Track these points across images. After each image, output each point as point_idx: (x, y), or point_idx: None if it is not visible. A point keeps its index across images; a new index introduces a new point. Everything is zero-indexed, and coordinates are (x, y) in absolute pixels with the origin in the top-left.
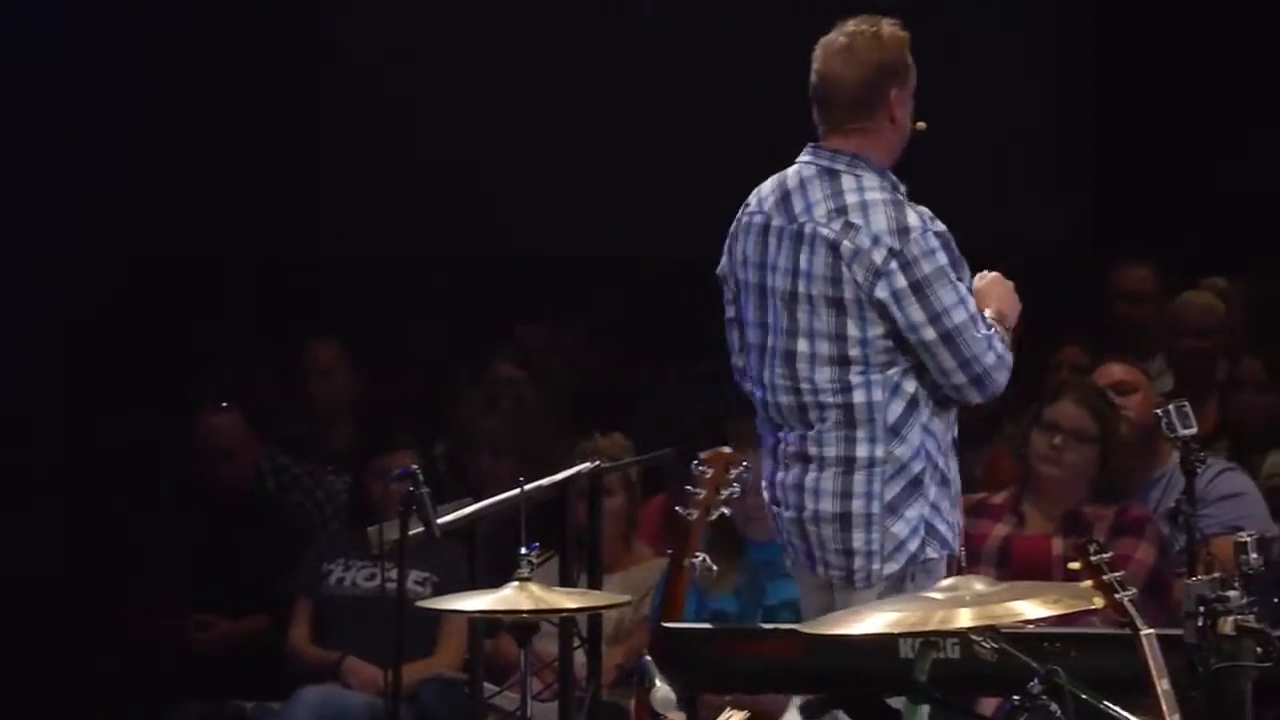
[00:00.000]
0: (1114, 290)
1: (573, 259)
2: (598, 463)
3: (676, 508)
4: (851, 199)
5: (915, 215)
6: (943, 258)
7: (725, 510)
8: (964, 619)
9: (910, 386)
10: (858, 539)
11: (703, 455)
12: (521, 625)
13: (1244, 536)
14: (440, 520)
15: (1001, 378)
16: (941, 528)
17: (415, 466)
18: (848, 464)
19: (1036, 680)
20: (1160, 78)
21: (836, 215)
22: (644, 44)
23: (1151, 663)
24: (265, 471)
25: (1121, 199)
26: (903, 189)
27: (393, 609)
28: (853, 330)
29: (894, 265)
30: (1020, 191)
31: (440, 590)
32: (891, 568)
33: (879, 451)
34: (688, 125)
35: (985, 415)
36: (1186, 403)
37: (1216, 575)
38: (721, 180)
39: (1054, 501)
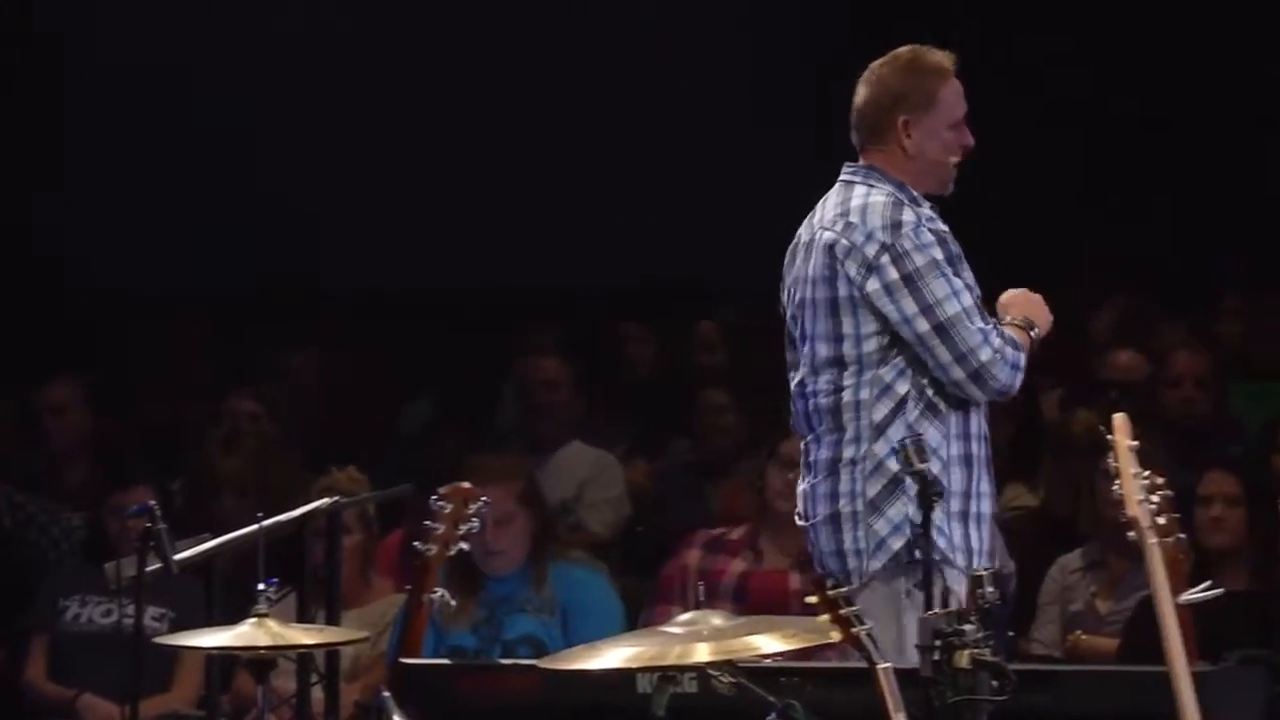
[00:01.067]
0: None
1: (313, 292)
2: (336, 498)
3: (415, 543)
4: (856, 202)
5: (911, 212)
6: (937, 252)
7: (464, 545)
8: (702, 653)
9: (902, 387)
10: (846, 538)
11: (441, 490)
12: (259, 661)
13: (980, 570)
14: (178, 556)
15: (1004, 374)
16: (934, 537)
17: (153, 502)
18: (834, 465)
19: (774, 714)
20: None
21: (840, 218)
22: (404, 82)
23: (888, 696)
24: (0, 510)
25: None
26: (925, 205)
27: (129, 645)
28: (847, 328)
29: (885, 259)
30: (752, 231)
31: (178, 626)
32: (874, 565)
33: (861, 450)
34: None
35: (722, 451)
36: (924, 436)
37: (953, 609)
38: (461, 213)
39: (791, 537)
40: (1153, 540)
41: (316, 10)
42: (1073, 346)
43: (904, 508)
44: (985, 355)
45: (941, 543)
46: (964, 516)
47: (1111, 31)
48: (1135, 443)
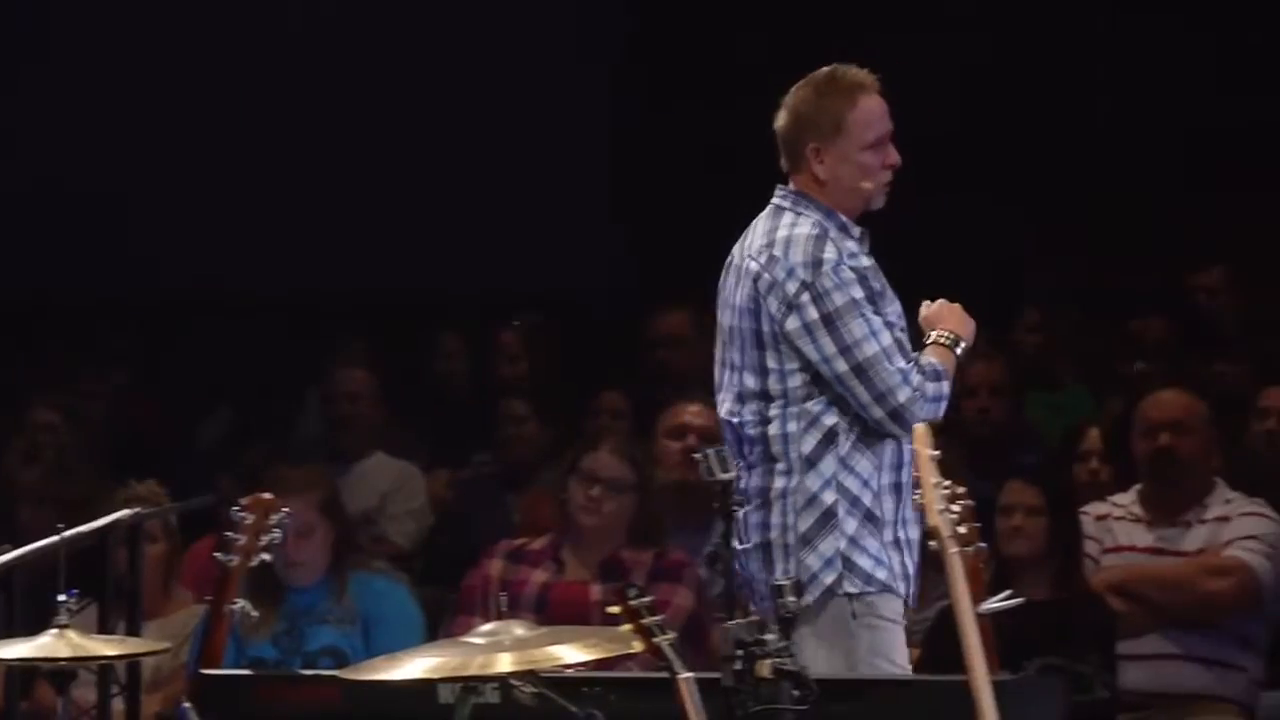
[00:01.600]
0: (652, 335)
1: (115, 300)
2: (137, 510)
3: (217, 554)
4: (781, 233)
5: (833, 249)
6: (856, 291)
7: (266, 556)
8: (504, 664)
9: (830, 420)
10: (777, 569)
11: (243, 501)
12: (59, 673)
13: (782, 580)
14: None
15: (923, 411)
16: (864, 563)
17: None
18: (765, 495)
19: None
20: (688, 119)
21: (765, 249)
22: (212, 81)
23: (690, 706)
24: None
25: (659, 242)
26: (854, 232)
27: None
28: (771, 363)
29: (805, 297)
30: (558, 237)
31: None
32: (807, 600)
33: (792, 482)
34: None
35: (523, 462)
36: (725, 447)
37: (755, 619)
38: (275, 219)
39: (592, 548)
40: (953, 550)
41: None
42: None
43: (836, 542)
44: (903, 396)
45: (882, 574)
46: (897, 544)
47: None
48: (936, 452)
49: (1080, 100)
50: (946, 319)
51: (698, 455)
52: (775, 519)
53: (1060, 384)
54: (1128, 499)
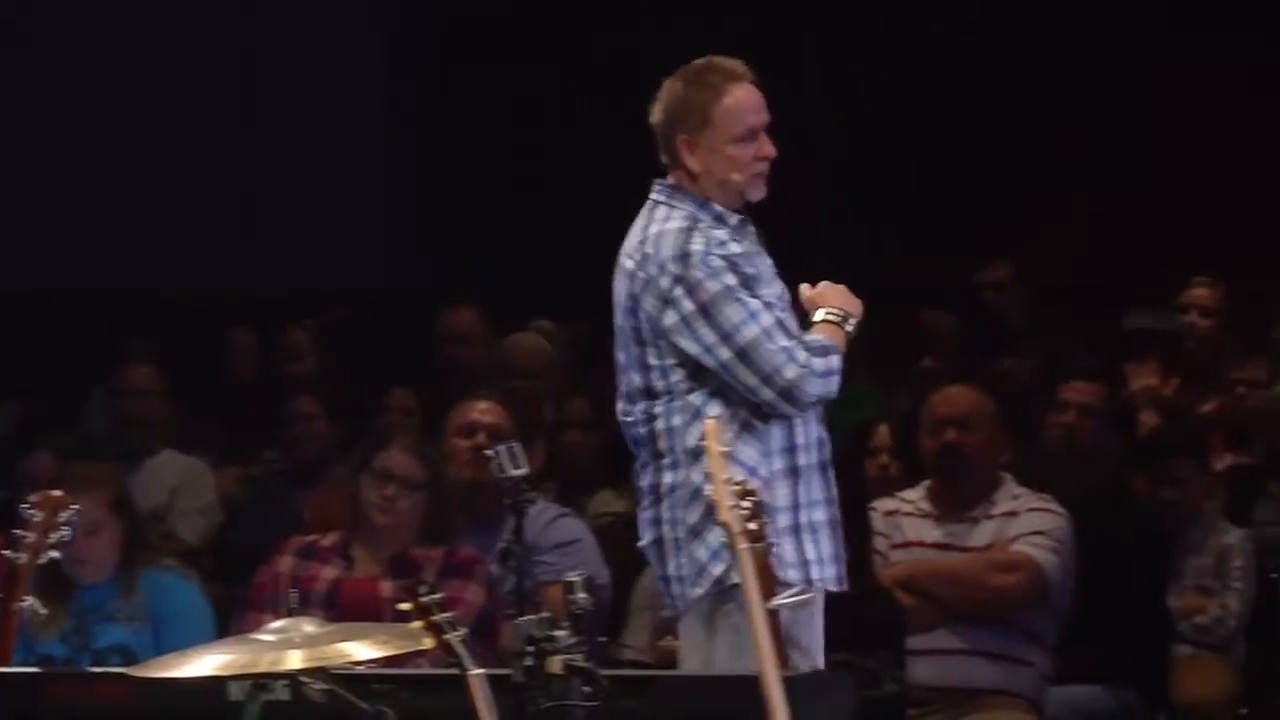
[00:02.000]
0: (441, 333)
1: None
2: None
3: (4, 551)
4: (653, 229)
5: (700, 240)
6: (729, 278)
7: (54, 554)
8: (294, 661)
9: (713, 411)
10: (670, 564)
11: (32, 498)
12: None
13: (572, 576)
14: None
15: (814, 386)
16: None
17: None
18: (655, 491)
19: None
20: (489, 124)
21: (639, 246)
22: None
23: (481, 703)
24: None
25: (447, 242)
26: (733, 219)
27: None
28: (652, 359)
29: (679, 291)
30: (346, 236)
31: None
32: (697, 591)
33: (679, 477)
34: None
35: (312, 458)
36: (517, 444)
37: (545, 615)
38: (55, 215)
39: (383, 545)
40: (744, 545)
41: None
42: None
43: (721, 534)
44: (791, 373)
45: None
46: (795, 530)
47: None
48: (727, 449)
49: None
50: (832, 298)
51: (489, 452)
52: (665, 514)
53: (849, 381)
54: (916, 495)
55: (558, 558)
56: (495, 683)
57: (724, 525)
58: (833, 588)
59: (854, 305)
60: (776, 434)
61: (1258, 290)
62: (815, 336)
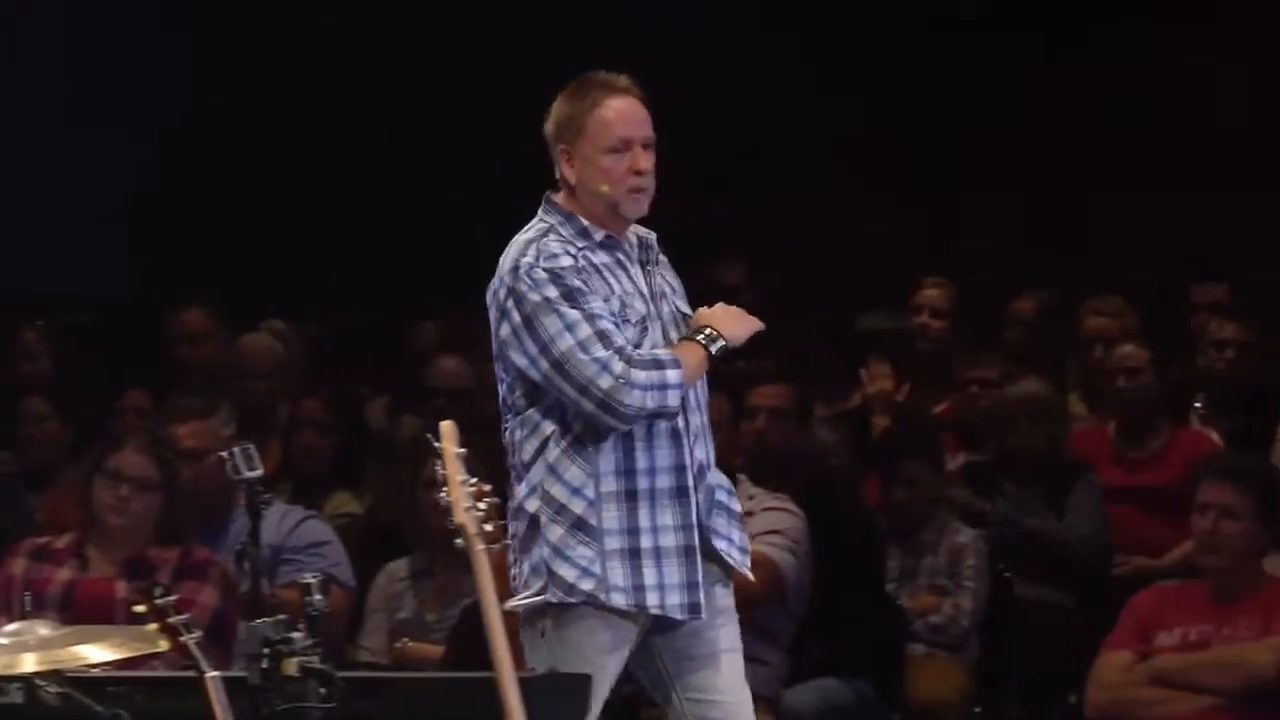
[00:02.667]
0: (172, 334)
1: None
2: None
3: None
4: (513, 240)
5: (533, 253)
6: (551, 290)
7: None
8: (28, 663)
9: (547, 427)
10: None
11: None
12: None
13: (308, 578)
14: None
15: (633, 398)
16: (565, 572)
17: None
18: (512, 504)
19: None
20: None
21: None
22: None
23: (217, 705)
24: None
25: (177, 242)
26: (599, 234)
27: None
28: (501, 373)
29: (510, 303)
30: (76, 237)
31: None
32: (522, 605)
33: (518, 490)
34: None
35: (45, 460)
36: (251, 445)
37: (281, 617)
38: None
39: (117, 546)
40: (480, 547)
41: None
42: (398, 354)
43: (540, 550)
44: (605, 384)
45: (587, 585)
46: (627, 554)
47: None
48: (462, 450)
49: None
50: (714, 318)
51: (224, 454)
52: (510, 527)
53: None
54: None
55: (310, 558)
56: (231, 685)
57: (460, 526)
58: (677, 616)
59: (736, 327)
60: (610, 455)
61: (988, 290)
62: (657, 351)
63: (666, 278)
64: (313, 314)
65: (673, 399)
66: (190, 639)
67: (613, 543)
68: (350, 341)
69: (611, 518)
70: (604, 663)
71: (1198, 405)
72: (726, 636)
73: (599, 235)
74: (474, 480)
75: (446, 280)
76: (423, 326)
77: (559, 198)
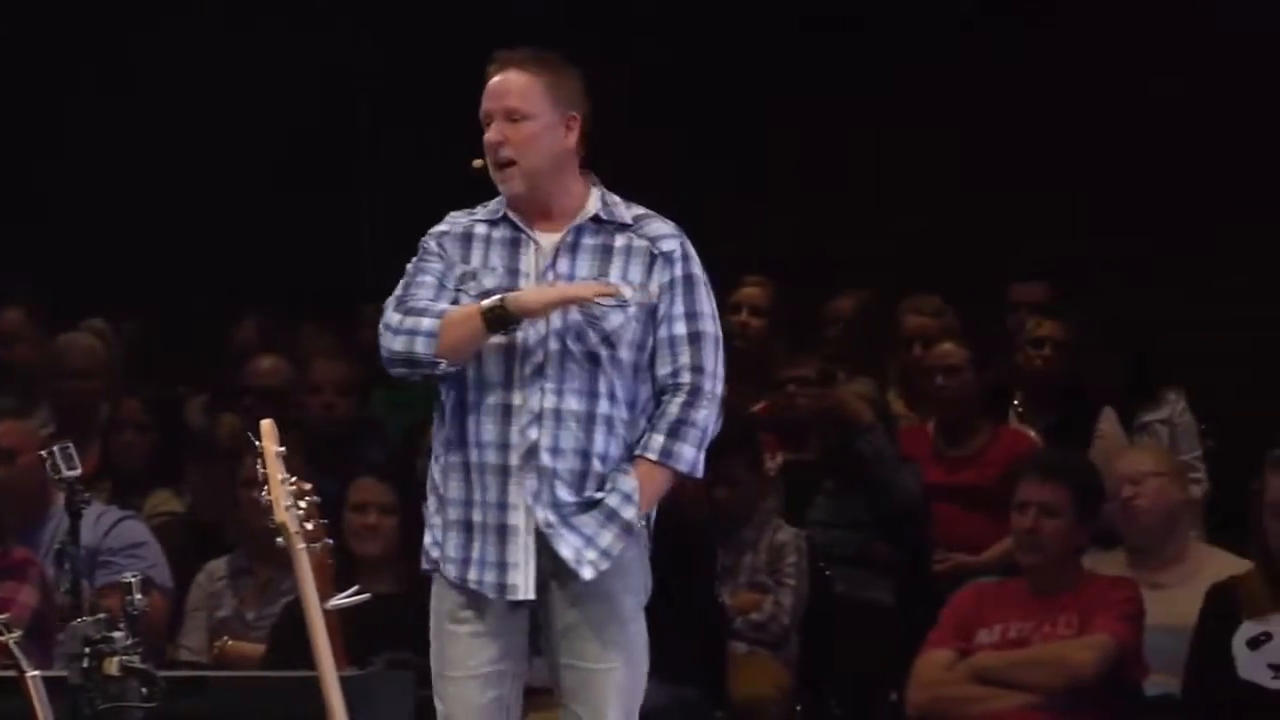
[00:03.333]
0: None
1: None
2: None
3: None
4: None
5: (444, 223)
6: (419, 257)
7: None
8: None
9: (441, 394)
10: None
11: None
12: None
13: (129, 577)
14: None
15: (385, 340)
16: (425, 539)
17: None
18: None
19: None
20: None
21: None
22: None
23: (38, 705)
24: None
25: None
26: (501, 210)
27: None
28: None
29: None
30: None
31: None
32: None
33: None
34: None
35: None
36: (70, 444)
37: (102, 616)
38: None
39: None
40: (301, 546)
41: None
42: (217, 352)
43: (429, 518)
44: (379, 329)
45: (435, 553)
46: (463, 526)
47: None
48: (282, 449)
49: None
50: (520, 294)
51: (43, 452)
52: None
53: (402, 383)
54: None
55: (126, 560)
56: (51, 684)
57: (280, 525)
58: (490, 595)
59: (530, 296)
60: (454, 425)
61: (807, 289)
62: (439, 305)
63: (584, 259)
64: (134, 311)
65: (420, 346)
66: (10, 638)
67: (452, 513)
68: (170, 339)
69: (453, 488)
70: (448, 632)
71: (1016, 403)
72: (583, 650)
73: (501, 211)
74: (294, 479)
75: (265, 276)
76: (241, 325)
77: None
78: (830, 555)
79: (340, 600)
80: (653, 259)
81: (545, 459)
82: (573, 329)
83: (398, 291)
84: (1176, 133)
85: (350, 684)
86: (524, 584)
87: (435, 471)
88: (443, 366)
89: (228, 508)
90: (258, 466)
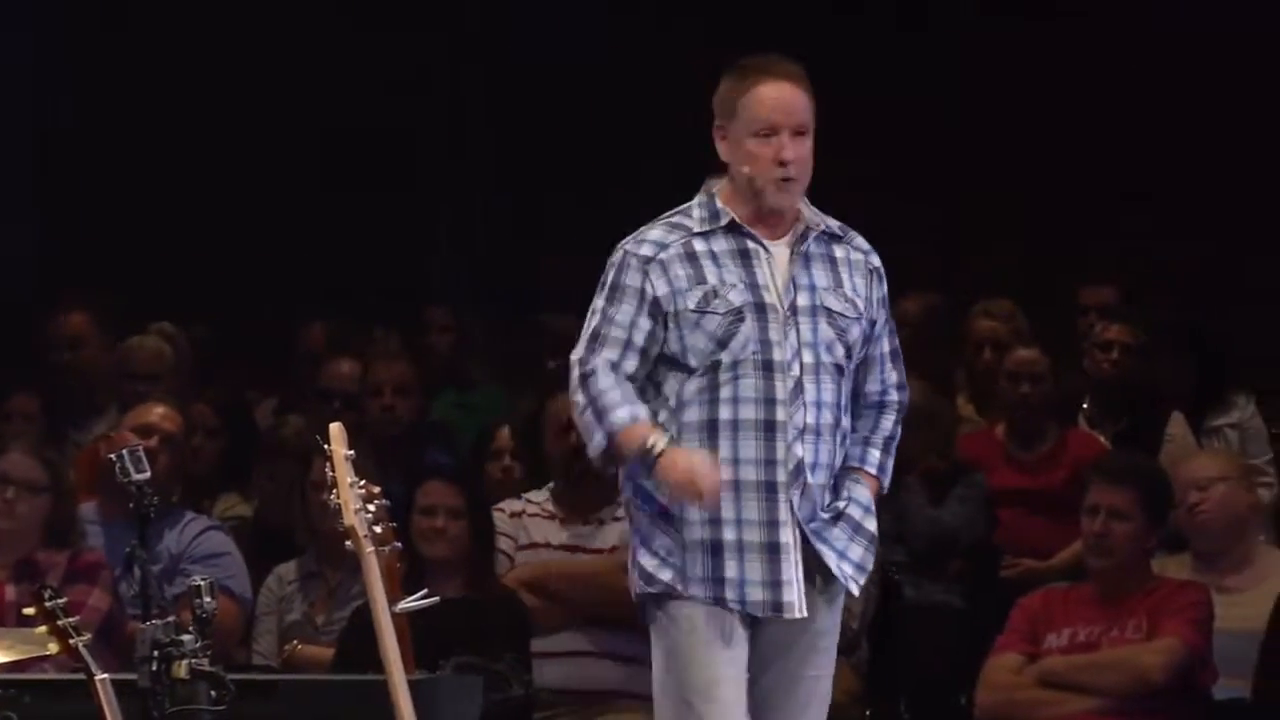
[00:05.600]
0: (55, 338)
1: None
2: None
3: None
4: None
5: (638, 232)
6: (611, 275)
7: None
8: None
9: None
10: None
11: None
12: None
13: (197, 580)
14: None
15: (573, 411)
16: (646, 562)
17: None
18: None
19: None
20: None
21: None
22: None
23: (106, 708)
24: None
25: (64, 244)
26: (725, 219)
27: None
28: None
29: None
30: None
31: None
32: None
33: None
34: None
35: None
36: (140, 447)
37: (171, 619)
38: None
39: (5, 549)
40: (370, 549)
41: None
42: (286, 356)
43: (633, 540)
44: (573, 374)
45: (666, 575)
46: (708, 546)
47: None
48: (350, 452)
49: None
50: (673, 462)
51: (113, 456)
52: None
53: (472, 383)
54: (541, 497)
55: (206, 569)
56: (121, 688)
57: (349, 529)
58: (758, 614)
59: (669, 473)
60: (692, 443)
61: None
62: (614, 401)
63: (819, 270)
64: (201, 315)
65: (594, 447)
66: (80, 641)
67: (693, 533)
68: (238, 343)
69: (690, 507)
70: (704, 654)
71: (1084, 407)
72: (814, 660)
73: (725, 219)
74: (362, 482)
75: (332, 282)
76: (309, 328)
77: (715, 180)
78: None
79: (409, 604)
80: (869, 273)
81: (809, 475)
82: (824, 341)
83: (581, 349)
84: (1247, 135)
85: (419, 688)
86: (799, 601)
87: (655, 490)
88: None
89: (296, 511)
90: (327, 470)
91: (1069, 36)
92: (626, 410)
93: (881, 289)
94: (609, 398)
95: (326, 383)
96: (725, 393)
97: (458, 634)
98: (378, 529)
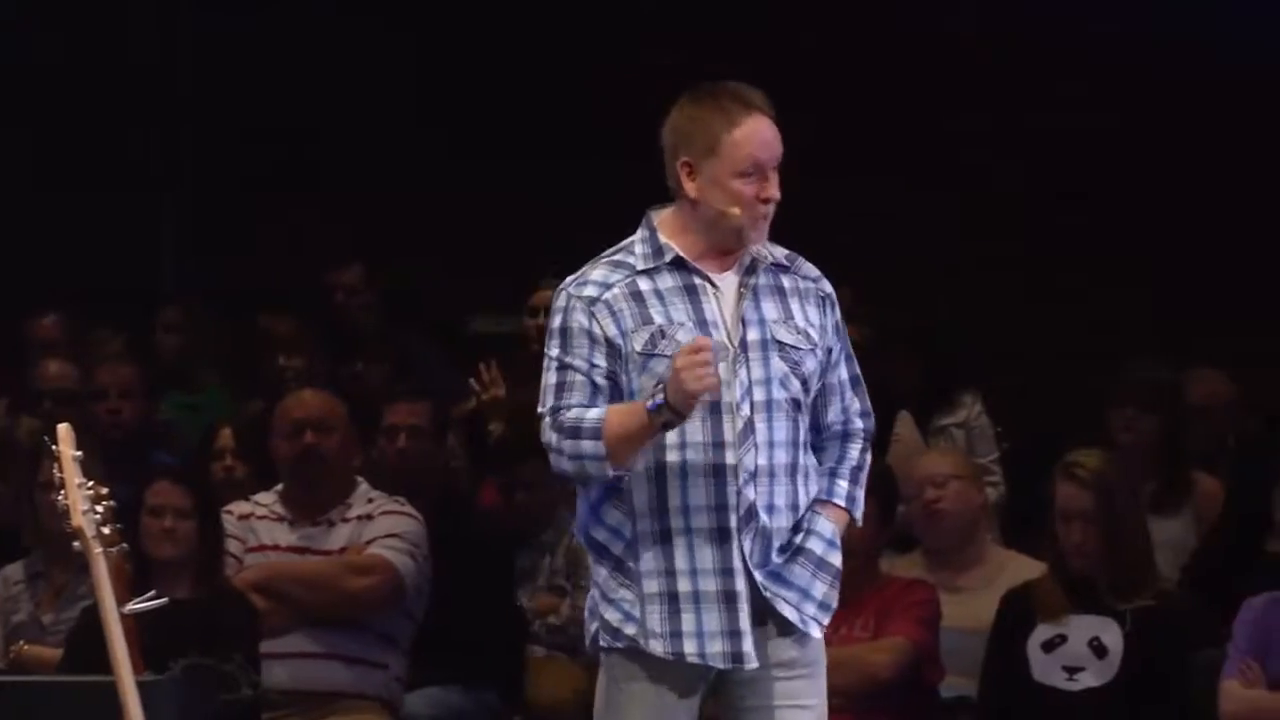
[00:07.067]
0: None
1: None
2: None
3: None
4: None
5: (580, 272)
6: (557, 319)
7: None
8: None
9: None
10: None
11: None
12: None
13: None
14: None
15: (557, 463)
16: (610, 616)
17: None
18: None
19: None
20: None
21: None
22: None
23: None
24: None
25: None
26: (669, 255)
27: None
28: None
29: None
30: None
31: None
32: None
33: None
34: None
35: None
36: None
37: None
38: None
39: None
40: (98, 550)
41: None
42: (13, 356)
43: (592, 591)
44: (543, 439)
45: (630, 629)
46: (666, 598)
47: None
48: (79, 452)
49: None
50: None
51: None
52: None
53: (199, 385)
54: (269, 499)
55: None
56: None
57: (77, 530)
58: (719, 665)
59: (681, 395)
60: (646, 495)
61: None
62: (587, 414)
63: (768, 303)
64: None
65: (593, 469)
66: None
67: (652, 585)
68: None
69: (646, 559)
70: (658, 712)
71: None
72: (786, 690)
73: (670, 255)
74: (90, 483)
75: (61, 281)
76: (37, 326)
77: (658, 211)
78: None
79: (137, 605)
80: (821, 300)
81: (765, 518)
82: (777, 376)
83: (548, 400)
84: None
85: (147, 689)
86: (753, 650)
87: (610, 543)
88: (625, 475)
89: (24, 511)
90: (54, 470)
91: None
92: (595, 410)
93: (835, 315)
94: (574, 415)
95: (45, 383)
96: (672, 437)
97: (187, 635)
98: (106, 530)
